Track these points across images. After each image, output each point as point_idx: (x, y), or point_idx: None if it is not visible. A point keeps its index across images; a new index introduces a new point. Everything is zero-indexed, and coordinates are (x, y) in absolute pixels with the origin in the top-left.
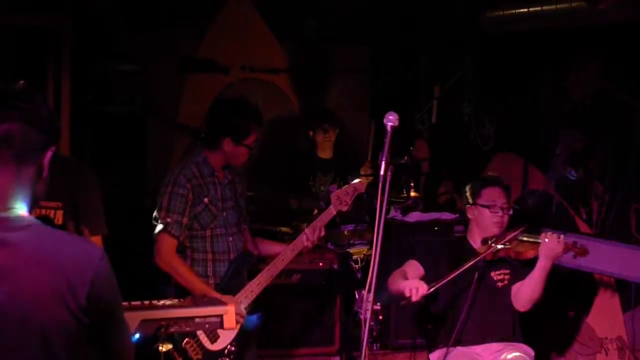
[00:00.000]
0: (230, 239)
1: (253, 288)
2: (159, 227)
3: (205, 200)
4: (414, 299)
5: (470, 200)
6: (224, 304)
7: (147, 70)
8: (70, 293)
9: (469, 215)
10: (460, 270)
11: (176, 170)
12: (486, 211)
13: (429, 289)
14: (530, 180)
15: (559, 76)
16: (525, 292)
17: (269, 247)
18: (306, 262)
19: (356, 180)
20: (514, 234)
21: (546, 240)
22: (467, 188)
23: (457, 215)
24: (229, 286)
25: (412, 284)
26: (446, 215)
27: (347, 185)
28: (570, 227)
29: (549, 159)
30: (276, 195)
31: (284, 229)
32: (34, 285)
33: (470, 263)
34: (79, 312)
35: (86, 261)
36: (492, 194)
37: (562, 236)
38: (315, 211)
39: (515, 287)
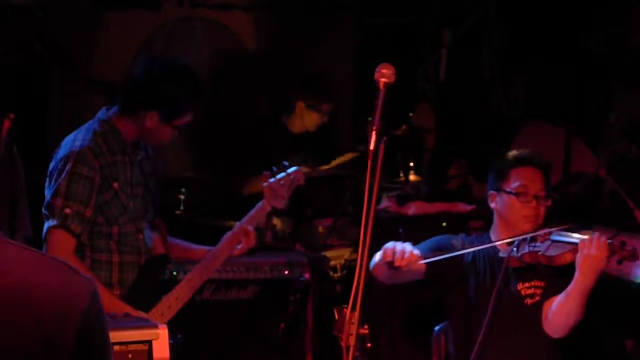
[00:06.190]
0: (141, 236)
1: (171, 303)
2: (53, 220)
3: (115, 185)
4: (397, 263)
5: (494, 185)
6: (154, 326)
7: (48, 5)
8: (46, 348)
9: (492, 205)
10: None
11: (76, 140)
12: (514, 200)
13: (423, 259)
14: (573, 160)
15: (615, 19)
16: (558, 314)
17: (183, 250)
18: (266, 270)
19: (293, 169)
20: (547, 231)
21: (584, 243)
22: (492, 168)
23: (474, 206)
24: (140, 299)
25: (399, 245)
26: (458, 207)
27: (282, 175)
28: (626, 222)
29: (600, 131)
30: (227, 178)
31: (234, 224)
32: None
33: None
34: None
35: (72, 299)
36: (524, 176)
37: (603, 237)
38: None
39: (546, 305)
